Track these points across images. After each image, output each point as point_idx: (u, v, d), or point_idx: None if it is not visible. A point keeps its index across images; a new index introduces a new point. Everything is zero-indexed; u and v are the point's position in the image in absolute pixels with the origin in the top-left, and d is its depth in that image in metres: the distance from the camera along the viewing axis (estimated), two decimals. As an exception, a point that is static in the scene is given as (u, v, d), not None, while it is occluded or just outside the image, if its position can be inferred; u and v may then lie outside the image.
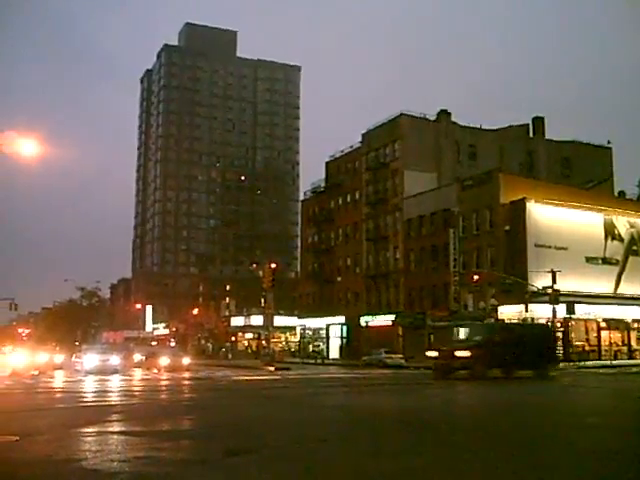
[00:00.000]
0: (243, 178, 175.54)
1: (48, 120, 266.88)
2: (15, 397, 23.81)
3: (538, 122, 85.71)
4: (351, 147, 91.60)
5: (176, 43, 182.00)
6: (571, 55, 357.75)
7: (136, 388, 29.31)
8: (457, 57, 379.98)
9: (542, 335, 41.42)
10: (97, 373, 43.31)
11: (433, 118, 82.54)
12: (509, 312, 61.43)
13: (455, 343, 38.52)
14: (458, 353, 34.48)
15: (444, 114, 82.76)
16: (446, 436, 13.44)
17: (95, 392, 27.04)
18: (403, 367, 57.88)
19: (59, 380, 37.29)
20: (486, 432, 14.13)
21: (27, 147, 35.89)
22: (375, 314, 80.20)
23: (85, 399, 24.77)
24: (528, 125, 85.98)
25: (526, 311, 58.86)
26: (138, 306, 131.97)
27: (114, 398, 24.78)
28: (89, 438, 13.51)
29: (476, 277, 57.12)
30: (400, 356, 64.14)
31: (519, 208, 63.52)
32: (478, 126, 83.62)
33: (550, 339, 41.80)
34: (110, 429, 15.06)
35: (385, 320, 78.18)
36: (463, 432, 14.21)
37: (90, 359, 47.73)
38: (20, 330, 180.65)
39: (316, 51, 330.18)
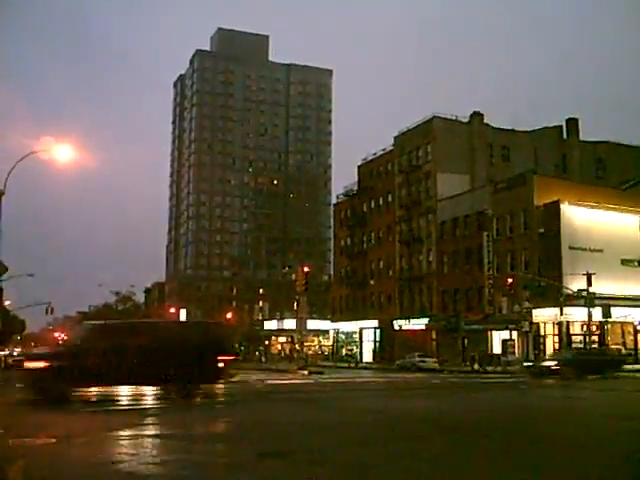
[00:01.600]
0: (275, 182, 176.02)
1: (81, 126, 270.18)
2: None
3: (572, 123, 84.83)
4: (383, 150, 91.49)
5: (208, 48, 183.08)
6: (604, 55, 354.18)
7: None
8: (490, 58, 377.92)
9: (198, 339, 24.68)
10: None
11: (466, 120, 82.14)
12: (544, 315, 60.98)
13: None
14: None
15: (477, 116, 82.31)
16: (477, 440, 13.36)
17: (130, 395, 27.21)
18: (437, 371, 57.61)
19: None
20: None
21: (62, 153, 36.53)
22: (408, 317, 79.93)
23: (120, 402, 24.95)
24: (562, 126, 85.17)
25: (561, 314, 58.30)
26: (172, 310, 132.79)
27: (149, 401, 24.92)
28: (124, 441, 13.62)
29: (510, 280, 56.70)
30: (434, 360, 63.86)
31: (553, 210, 62.94)
32: (511, 128, 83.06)
33: (218, 344, 25.38)
34: (145, 432, 15.16)
35: (418, 324, 77.91)
36: (490, 434, 14.12)
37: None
38: (56, 334, 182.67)
39: (348, 54, 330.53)
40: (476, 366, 58.22)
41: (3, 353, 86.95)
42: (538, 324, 62.11)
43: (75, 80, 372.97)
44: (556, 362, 42.98)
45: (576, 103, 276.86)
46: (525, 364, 49.32)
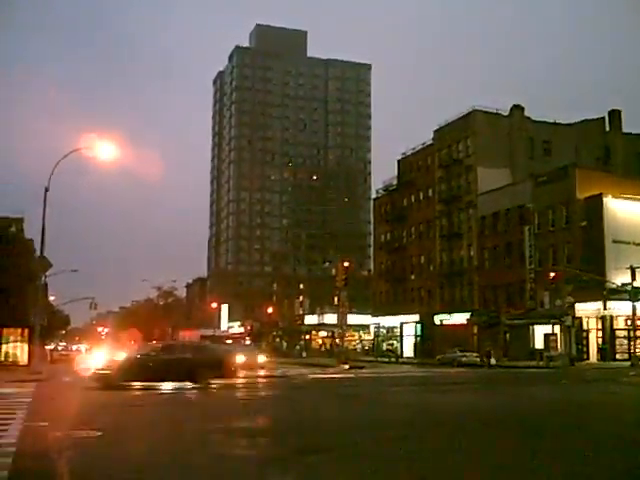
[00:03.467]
0: (315, 177, 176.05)
1: (123, 124, 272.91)
2: (97, 394, 24.44)
3: (615, 115, 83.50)
4: (423, 144, 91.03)
5: (247, 44, 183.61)
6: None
7: (213, 386, 29.70)
8: (531, 49, 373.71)
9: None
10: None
11: (506, 113, 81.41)
12: (587, 309, 60.33)
13: None
14: None
15: (517, 109, 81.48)
16: (520, 436, 13.32)
17: (172, 389, 27.54)
18: (478, 366, 57.31)
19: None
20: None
21: (105, 150, 37.06)
22: (449, 312, 79.60)
23: (162, 396, 25.27)
24: (604, 119, 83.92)
25: (604, 308, 57.62)
26: (214, 305, 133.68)
27: (191, 396, 25.19)
28: (167, 434, 13.83)
29: (552, 274, 56.10)
30: (475, 354, 63.49)
31: (596, 204, 62.18)
32: (552, 121, 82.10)
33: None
34: (188, 426, 15.36)
35: (459, 318, 77.54)
36: (534, 430, 14.05)
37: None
38: (99, 329, 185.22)
39: (386, 47, 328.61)
40: (493, 361, 57.81)
41: (49, 348, 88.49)
42: (581, 318, 61.40)
43: (116, 80, 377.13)
44: None
45: (619, 95, 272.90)
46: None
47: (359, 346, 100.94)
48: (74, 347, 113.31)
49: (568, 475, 9.55)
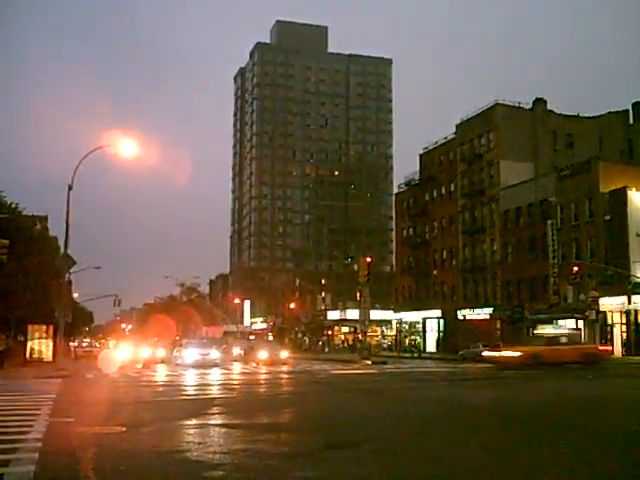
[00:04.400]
0: (336, 173, 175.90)
1: (145, 123, 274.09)
2: (121, 390, 24.63)
3: (638, 108, 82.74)
4: (445, 138, 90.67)
5: (268, 41, 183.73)
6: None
7: (235, 381, 29.85)
8: (552, 42, 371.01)
9: None
10: (197, 367, 44.05)
11: (528, 107, 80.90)
12: (611, 304, 59.87)
13: None
14: None
15: (540, 102, 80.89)
16: (544, 433, 13.26)
17: (196, 385, 27.68)
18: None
19: (161, 374, 38.28)
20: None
21: (127, 147, 37.24)
22: (472, 307, 79.33)
23: (186, 392, 25.40)
24: (628, 111, 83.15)
25: (629, 303, 57.13)
26: (236, 301, 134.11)
27: (214, 391, 25.32)
28: (191, 430, 13.92)
29: (576, 269, 55.70)
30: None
31: (620, 197, 61.64)
32: (575, 114, 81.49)
33: None
34: (211, 421, 15.45)
35: (482, 313, 77.29)
36: (560, 427, 13.98)
37: (190, 353, 48.64)
38: (123, 325, 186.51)
39: (407, 42, 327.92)
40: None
41: (73, 344, 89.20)
42: (605, 313, 60.98)
43: (137, 79, 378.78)
44: None
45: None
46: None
47: (385, 341, 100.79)
48: (97, 344, 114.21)
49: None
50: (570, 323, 62.37)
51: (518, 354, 39.86)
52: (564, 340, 40.95)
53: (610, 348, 53.72)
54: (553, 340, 40.64)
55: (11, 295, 45.64)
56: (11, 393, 22.49)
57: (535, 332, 43.84)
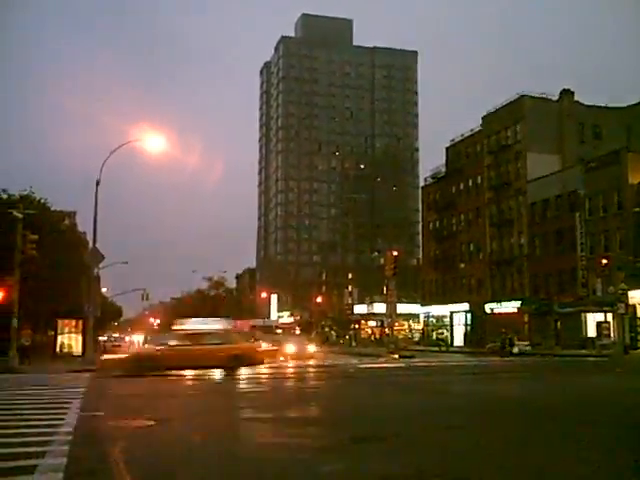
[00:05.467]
0: (362, 166, 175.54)
1: (172, 117, 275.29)
2: (150, 384, 24.82)
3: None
4: (471, 131, 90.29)
5: (293, 34, 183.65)
6: None
7: (263, 375, 29.95)
8: (579, 34, 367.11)
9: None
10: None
11: (555, 98, 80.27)
12: (640, 297, 59.36)
13: None
14: None
15: (567, 93, 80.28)
16: (574, 429, 13.21)
17: (224, 379, 27.82)
18: (530, 354, 56.81)
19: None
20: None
21: (155, 142, 37.49)
22: (500, 301, 78.97)
23: (215, 386, 25.55)
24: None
25: (659, 295, 56.55)
26: (263, 295, 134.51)
27: (243, 385, 25.44)
28: (220, 424, 14.00)
29: (604, 261, 55.25)
30: (526, 343, 62.96)
31: (649, 188, 61.05)
32: (603, 104, 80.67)
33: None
34: (240, 415, 15.54)
35: (510, 307, 76.94)
36: (589, 423, 13.92)
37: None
38: (151, 320, 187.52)
39: (432, 35, 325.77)
40: (515, 349, 57.02)
41: (102, 339, 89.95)
42: (635, 306, 60.38)
43: (163, 75, 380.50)
44: None
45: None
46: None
47: (415, 335, 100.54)
48: (127, 338, 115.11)
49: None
50: (599, 316, 61.96)
51: (123, 356, 33.52)
52: (207, 339, 31.76)
53: (276, 349, 47.08)
54: (188, 338, 31.76)
55: (41, 290, 46.12)
56: (42, 387, 22.78)
57: (174, 327, 36.00)
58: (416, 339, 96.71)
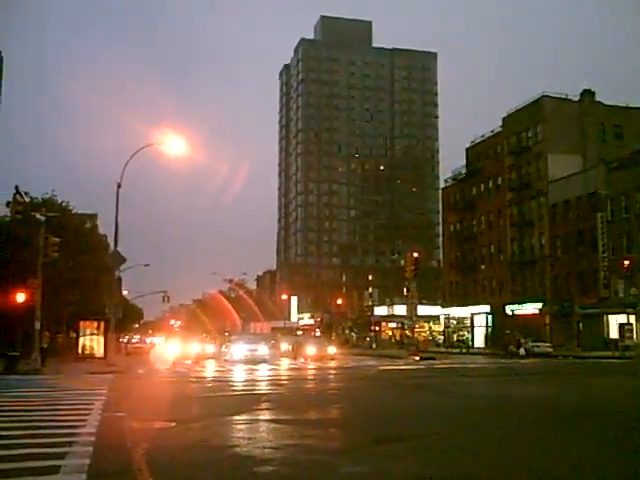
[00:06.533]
0: (382, 168, 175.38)
1: (191, 121, 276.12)
2: (171, 386, 24.95)
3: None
4: (492, 132, 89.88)
5: (312, 37, 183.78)
6: None
7: (284, 377, 30.03)
8: (599, 34, 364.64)
9: None
10: (246, 362, 44.19)
11: (576, 98, 79.79)
12: (663, 298, 58.79)
13: None
14: None
15: (588, 94, 79.78)
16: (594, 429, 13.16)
17: (245, 381, 27.90)
18: (551, 356, 56.50)
19: (211, 369, 38.59)
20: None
21: (176, 145, 37.74)
22: (521, 302, 78.53)
23: (235, 388, 25.63)
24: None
25: (682, 296, 56.00)
26: (284, 297, 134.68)
27: (263, 387, 25.50)
28: (241, 425, 14.08)
29: (626, 262, 54.95)
30: (548, 344, 62.64)
31: (672, 189, 60.56)
32: (624, 104, 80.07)
33: None
34: (260, 417, 15.60)
35: (531, 308, 76.49)
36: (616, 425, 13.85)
37: (239, 349, 48.75)
38: (172, 322, 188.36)
39: (451, 36, 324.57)
40: (522, 351, 56.67)
41: (124, 340, 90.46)
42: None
43: (182, 77, 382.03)
44: None
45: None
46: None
47: (437, 337, 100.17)
48: (148, 340, 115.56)
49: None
50: (621, 318, 61.47)
51: None
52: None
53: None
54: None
55: (63, 292, 46.48)
56: (65, 389, 22.96)
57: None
58: (439, 341, 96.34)
